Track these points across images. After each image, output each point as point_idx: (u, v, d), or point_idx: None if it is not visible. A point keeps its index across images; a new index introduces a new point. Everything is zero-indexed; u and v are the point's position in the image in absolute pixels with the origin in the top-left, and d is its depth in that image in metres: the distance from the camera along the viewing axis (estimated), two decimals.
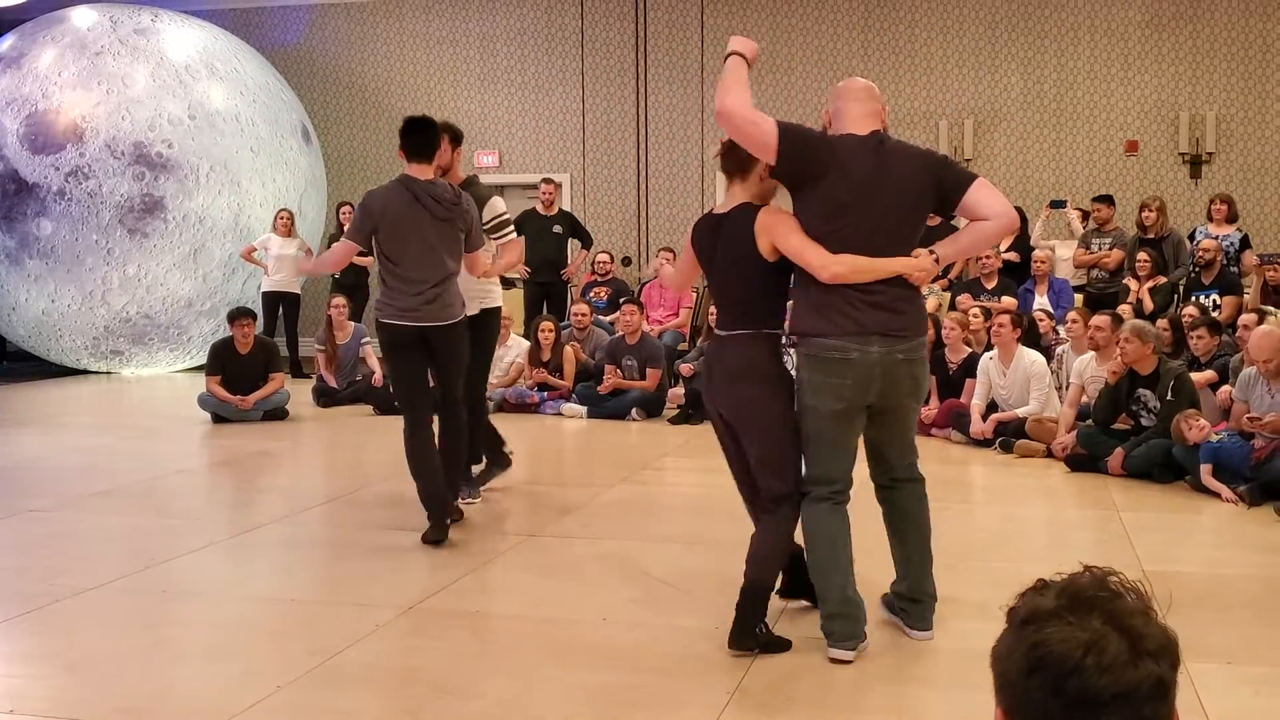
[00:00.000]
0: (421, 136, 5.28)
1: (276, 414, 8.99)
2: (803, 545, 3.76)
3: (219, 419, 8.79)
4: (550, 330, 9.51)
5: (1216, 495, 5.86)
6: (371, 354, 9.92)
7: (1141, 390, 6.54)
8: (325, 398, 9.72)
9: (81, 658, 3.66)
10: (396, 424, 8.62)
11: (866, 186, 3.53)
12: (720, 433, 3.89)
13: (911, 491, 3.84)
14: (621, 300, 10.04)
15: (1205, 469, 5.96)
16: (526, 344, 9.61)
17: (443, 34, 13.97)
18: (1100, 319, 7.26)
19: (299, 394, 9.60)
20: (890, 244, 3.55)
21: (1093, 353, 7.22)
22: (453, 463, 5.46)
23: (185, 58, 11.81)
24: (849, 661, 3.55)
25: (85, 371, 12.30)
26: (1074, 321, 7.90)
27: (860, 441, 3.76)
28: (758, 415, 3.68)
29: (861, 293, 3.52)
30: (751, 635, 3.61)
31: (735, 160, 3.70)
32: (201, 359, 10.61)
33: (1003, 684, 1.20)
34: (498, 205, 5.94)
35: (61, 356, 12.16)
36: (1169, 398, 6.34)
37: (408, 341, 5.16)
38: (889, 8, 12.81)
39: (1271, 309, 7.52)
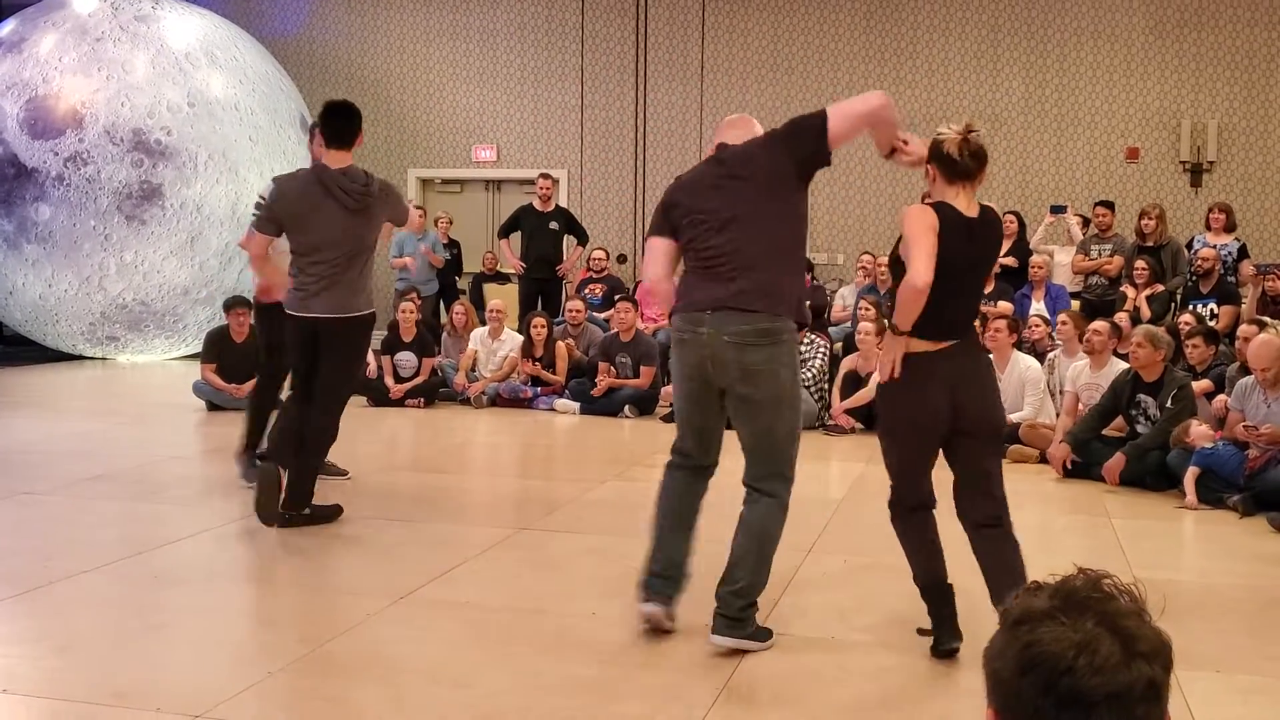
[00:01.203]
0: (344, 121, 5.07)
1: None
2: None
3: (213, 407, 8.78)
4: (543, 326, 9.51)
5: (1212, 503, 5.87)
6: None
7: (1143, 396, 6.54)
8: None
9: (74, 641, 3.66)
10: (390, 415, 8.67)
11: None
12: (928, 447, 3.60)
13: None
14: (616, 297, 10.04)
15: (1192, 471, 5.97)
16: (520, 338, 9.61)
17: (443, 27, 13.96)
18: (1099, 324, 7.26)
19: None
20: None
21: (1085, 359, 7.21)
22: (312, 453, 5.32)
23: (185, 45, 11.80)
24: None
25: (81, 357, 12.28)
26: (1064, 324, 7.90)
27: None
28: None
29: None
30: None
31: (979, 160, 3.55)
32: (197, 347, 10.58)
33: (995, 684, 1.20)
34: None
35: (58, 342, 12.14)
36: (1169, 405, 6.35)
37: (306, 334, 5.12)
38: (891, 9, 12.81)
39: (1270, 319, 7.54)
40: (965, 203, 3.52)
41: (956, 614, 3.56)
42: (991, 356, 7.69)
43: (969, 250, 3.48)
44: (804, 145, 3.62)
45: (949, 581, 3.61)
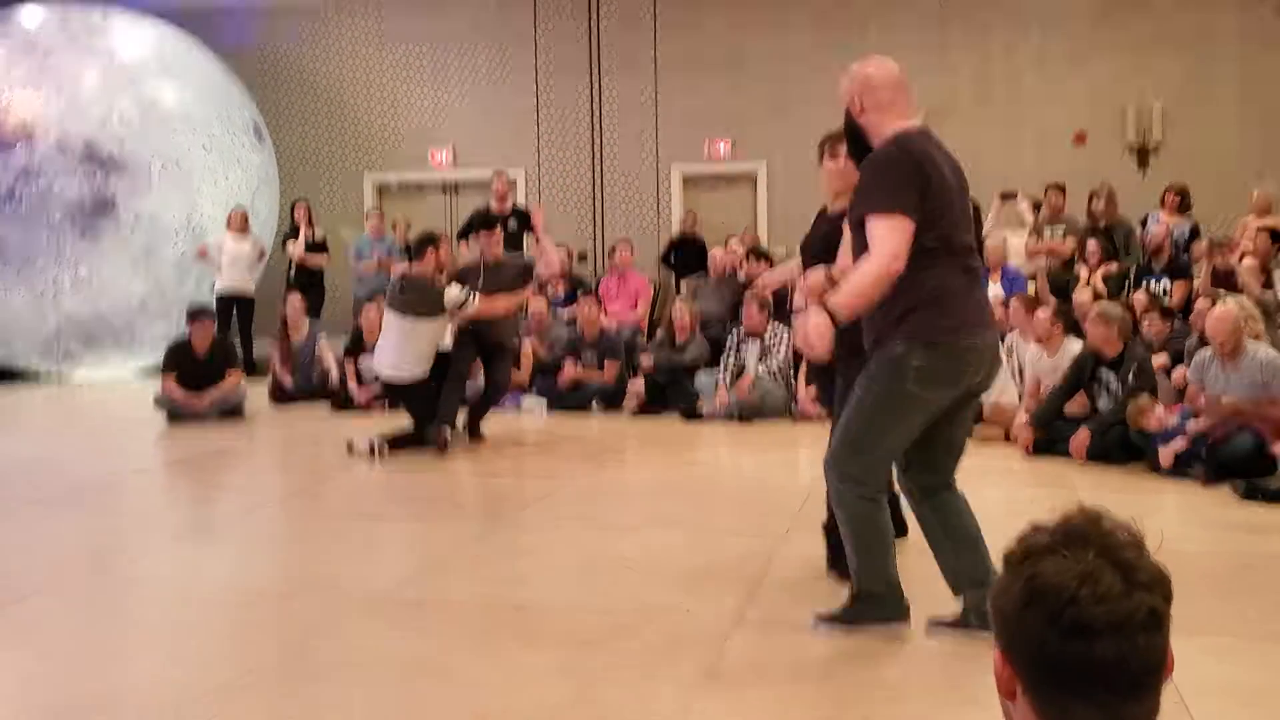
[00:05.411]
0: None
1: (233, 412, 8.90)
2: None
3: (174, 417, 8.68)
4: None
5: (1176, 474, 5.97)
6: (328, 352, 9.83)
7: (1104, 371, 6.64)
8: (281, 396, 9.62)
9: (48, 651, 3.61)
10: (356, 419, 8.61)
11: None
12: None
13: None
14: (579, 294, 10.03)
15: (1164, 451, 6.05)
16: None
17: (395, 32, 13.88)
18: (1042, 311, 7.34)
19: (254, 394, 9.50)
20: None
21: (1037, 344, 7.29)
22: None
23: (136, 56, 11.65)
24: None
25: (35, 375, 12.08)
26: (1014, 309, 7.98)
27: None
28: None
29: None
30: None
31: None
32: (154, 360, 10.44)
33: (1001, 621, 1.22)
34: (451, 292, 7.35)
35: (11, 360, 11.94)
36: (1130, 380, 6.44)
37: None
38: (840, 2, 12.89)
39: (1223, 292, 7.66)
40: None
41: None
42: None
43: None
44: None
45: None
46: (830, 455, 3.56)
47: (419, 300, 7.23)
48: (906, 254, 3.26)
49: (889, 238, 3.26)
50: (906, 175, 3.31)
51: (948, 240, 3.37)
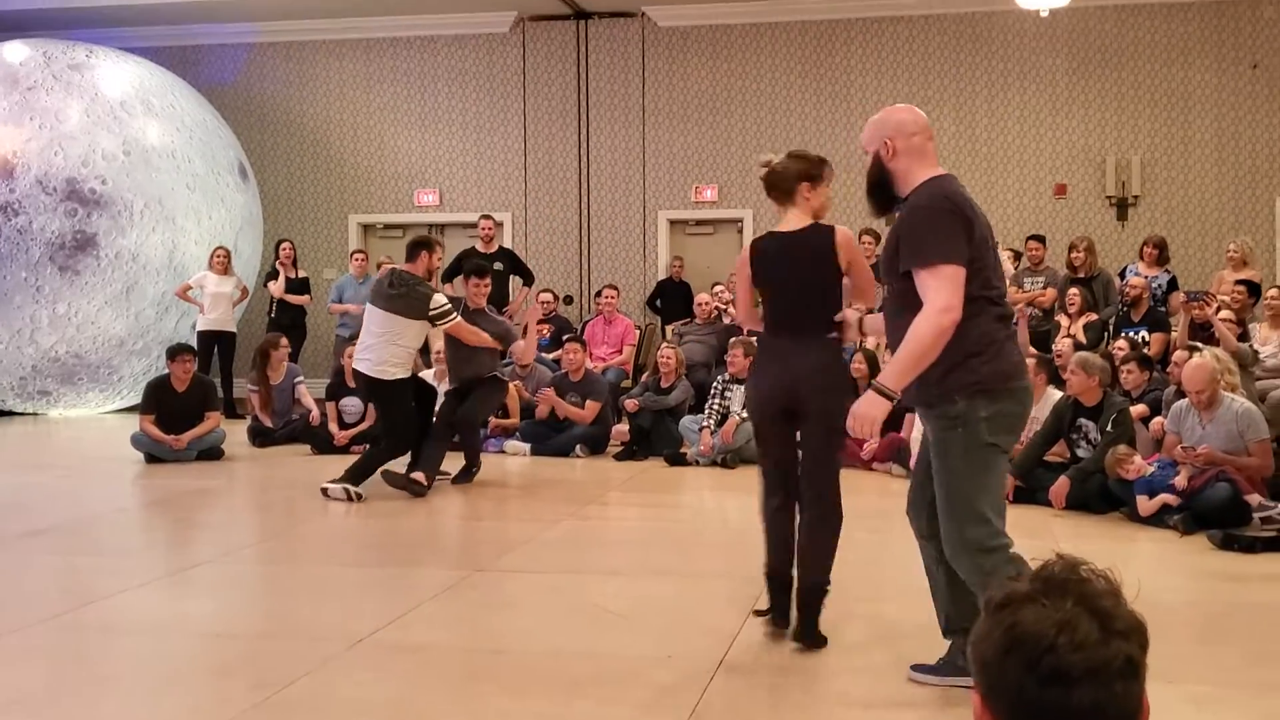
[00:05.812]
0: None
1: (211, 454, 8.84)
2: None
3: (152, 459, 8.61)
4: None
5: (1154, 523, 6.01)
6: (307, 394, 9.78)
7: (1083, 420, 6.69)
8: (261, 438, 9.57)
9: (22, 694, 3.56)
10: (335, 462, 8.57)
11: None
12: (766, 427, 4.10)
13: None
14: (565, 337, 10.05)
15: (1142, 500, 6.09)
16: None
17: (382, 73, 13.97)
18: (1026, 362, 7.40)
19: (234, 434, 9.45)
20: None
21: None
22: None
23: (120, 94, 11.68)
24: None
25: (10, 413, 11.99)
26: None
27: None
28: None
29: None
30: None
31: (777, 187, 4.04)
32: (132, 400, 10.37)
33: (980, 667, 1.24)
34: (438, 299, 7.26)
35: None
36: (1109, 429, 6.50)
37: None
38: (825, 52, 13.07)
39: (1200, 345, 7.74)
40: (792, 222, 3.99)
41: (790, 603, 3.99)
42: None
43: (781, 263, 3.96)
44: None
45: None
46: (949, 543, 3.37)
47: (406, 295, 7.10)
48: (960, 305, 3.19)
49: (941, 290, 3.18)
50: (954, 224, 3.24)
51: (987, 288, 3.31)
